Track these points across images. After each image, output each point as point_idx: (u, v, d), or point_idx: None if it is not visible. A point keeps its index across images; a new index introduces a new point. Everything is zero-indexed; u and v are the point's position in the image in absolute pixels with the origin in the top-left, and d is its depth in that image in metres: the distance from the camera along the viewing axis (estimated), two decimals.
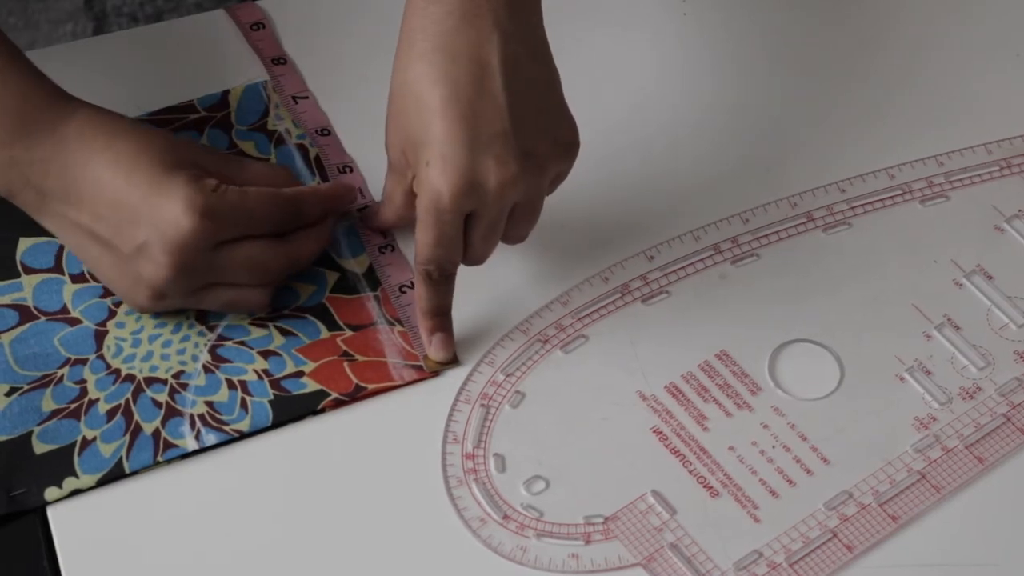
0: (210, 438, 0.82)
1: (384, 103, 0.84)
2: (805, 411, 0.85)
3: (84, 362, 0.85)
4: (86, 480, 0.81)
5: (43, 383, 0.84)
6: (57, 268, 0.88)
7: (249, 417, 0.83)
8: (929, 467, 0.83)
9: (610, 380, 0.86)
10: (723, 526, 0.81)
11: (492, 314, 0.88)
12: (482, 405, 0.84)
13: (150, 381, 0.84)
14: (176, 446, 0.82)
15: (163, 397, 0.84)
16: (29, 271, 0.88)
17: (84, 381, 0.84)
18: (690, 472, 0.82)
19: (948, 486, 0.82)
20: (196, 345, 0.86)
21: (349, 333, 0.86)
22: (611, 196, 0.93)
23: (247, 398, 0.84)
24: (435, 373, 0.85)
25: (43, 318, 0.86)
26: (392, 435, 0.83)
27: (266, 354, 0.85)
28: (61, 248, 0.88)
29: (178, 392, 0.84)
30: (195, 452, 0.82)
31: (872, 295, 0.90)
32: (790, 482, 0.82)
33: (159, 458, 0.82)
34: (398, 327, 0.87)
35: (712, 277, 0.89)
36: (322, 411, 0.84)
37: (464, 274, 0.85)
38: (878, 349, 0.87)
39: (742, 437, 0.84)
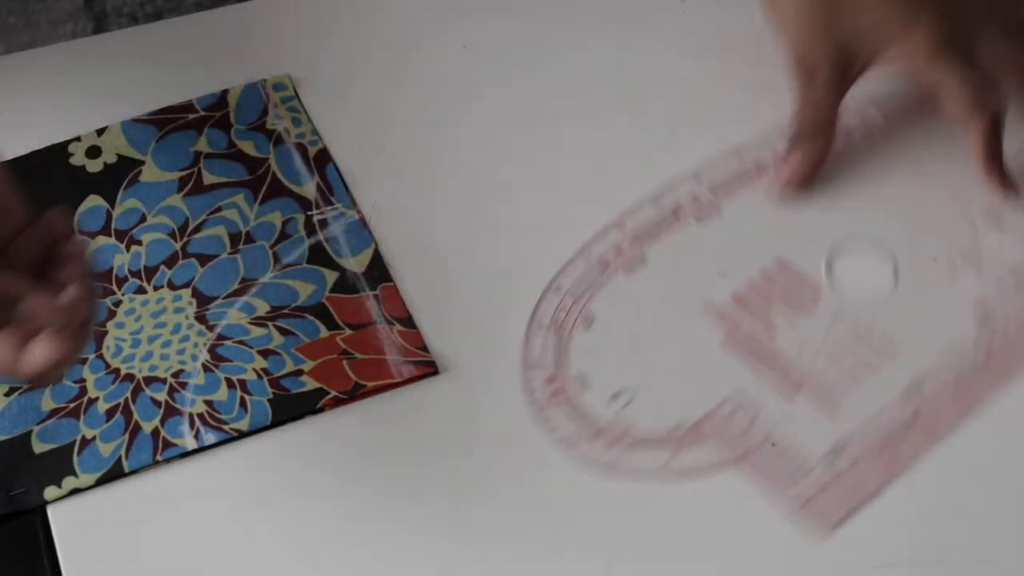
0: (209, 437, 0.82)
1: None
2: (865, 308, 0.87)
3: (83, 361, 0.85)
4: (85, 479, 0.81)
5: None
6: None
7: (248, 416, 0.83)
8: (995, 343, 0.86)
9: (676, 297, 0.88)
10: (805, 422, 0.83)
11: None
12: (554, 331, 0.86)
13: (149, 380, 0.84)
14: (175, 445, 0.82)
15: (162, 396, 0.84)
16: None
17: (83, 380, 0.84)
18: (766, 375, 0.85)
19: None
20: (195, 344, 0.86)
21: (348, 332, 0.86)
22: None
23: (246, 397, 0.84)
24: (434, 372, 0.85)
25: None
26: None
27: (265, 353, 0.85)
28: None
29: (177, 391, 0.84)
30: (194, 451, 0.82)
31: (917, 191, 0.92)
32: (863, 374, 0.84)
33: (158, 457, 0.82)
34: (397, 326, 0.87)
35: (760, 193, 0.92)
36: (321, 410, 0.84)
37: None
38: (929, 242, 0.89)
39: (810, 339, 0.86)
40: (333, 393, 0.84)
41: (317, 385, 0.84)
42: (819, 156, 0.92)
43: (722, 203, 0.92)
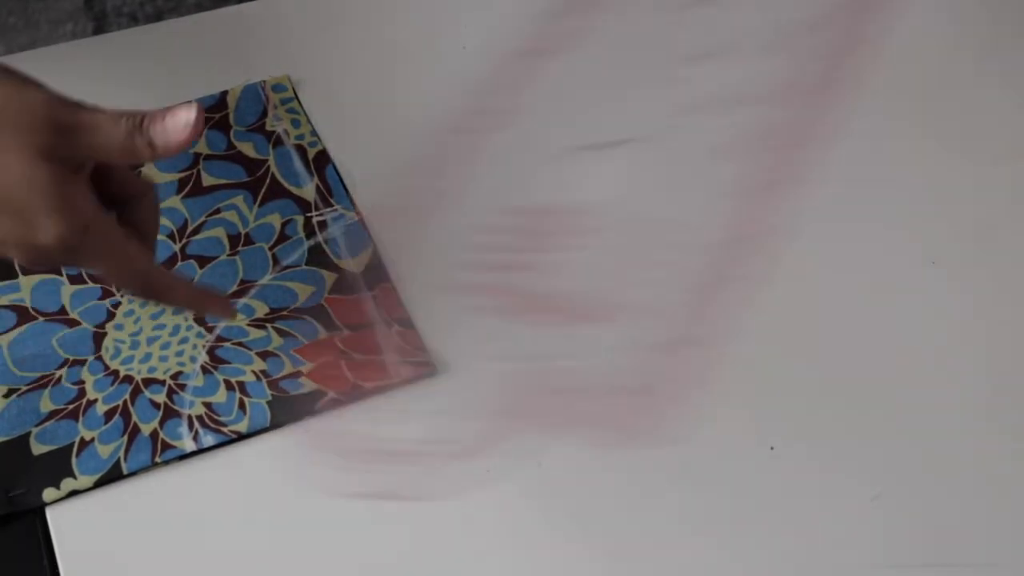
0: (208, 439, 0.82)
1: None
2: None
3: (82, 363, 0.85)
4: (84, 481, 0.81)
5: (41, 384, 0.84)
6: (55, 269, 0.88)
7: (247, 418, 0.83)
8: None
9: None
10: None
11: None
12: None
13: (148, 382, 0.84)
14: (174, 447, 0.82)
15: (161, 398, 0.84)
16: (27, 272, 0.88)
17: (82, 382, 0.84)
18: None
19: None
20: (194, 347, 0.86)
21: (347, 333, 0.86)
22: None
23: (245, 399, 0.84)
24: (432, 371, 0.85)
25: (41, 319, 0.86)
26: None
27: (264, 355, 0.85)
28: None
29: (176, 393, 0.84)
30: (193, 453, 0.82)
31: None
32: None
33: (157, 459, 0.82)
34: (396, 327, 0.87)
35: None
36: (320, 411, 0.84)
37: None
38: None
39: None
40: (331, 394, 0.84)
41: (315, 387, 0.84)
42: None
43: None
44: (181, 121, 0.75)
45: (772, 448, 0.84)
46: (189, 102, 0.75)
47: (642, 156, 0.93)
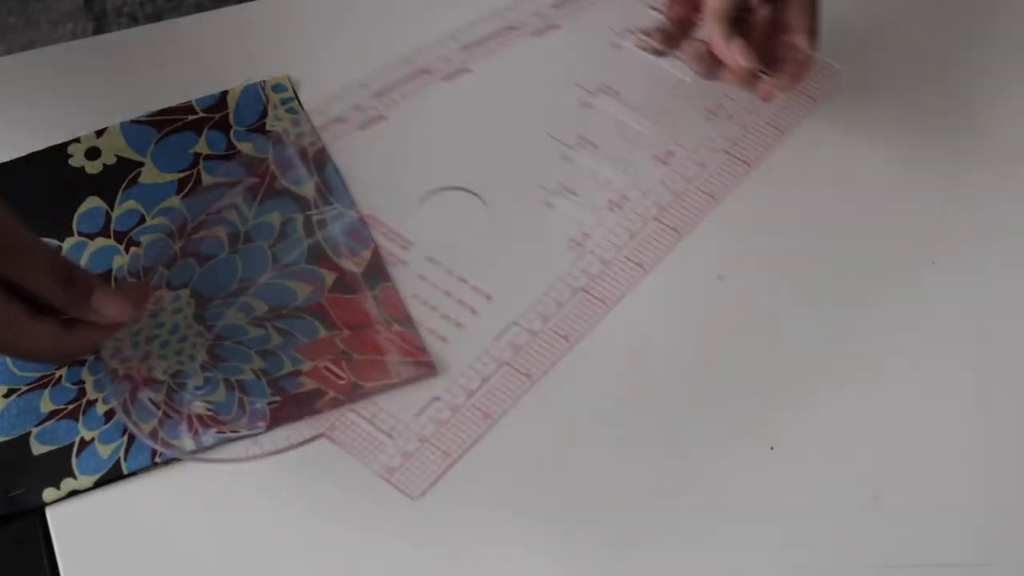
0: (208, 439, 0.82)
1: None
2: (459, 254, 0.86)
3: (82, 363, 0.85)
4: (84, 481, 0.81)
5: (41, 384, 0.84)
6: None
7: (247, 418, 0.83)
8: (590, 281, 0.85)
9: None
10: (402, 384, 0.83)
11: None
12: None
13: (148, 381, 0.84)
14: (174, 447, 0.82)
15: (160, 398, 0.84)
16: None
17: (82, 382, 0.84)
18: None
19: (612, 297, 0.84)
20: (194, 345, 0.86)
21: (347, 333, 0.86)
22: None
23: (244, 398, 0.84)
24: (432, 371, 0.85)
25: None
26: None
27: (264, 354, 0.85)
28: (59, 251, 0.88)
29: (175, 392, 0.84)
30: (192, 452, 0.82)
31: (506, 133, 0.91)
32: (458, 325, 0.84)
33: (157, 459, 0.82)
34: (396, 326, 0.87)
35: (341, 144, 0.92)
36: (319, 411, 0.84)
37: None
38: (521, 182, 0.89)
39: (402, 292, 0.86)
40: (331, 394, 0.84)
41: (315, 386, 0.84)
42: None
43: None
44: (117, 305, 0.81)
45: (772, 448, 0.84)
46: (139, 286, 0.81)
47: None
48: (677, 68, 0.94)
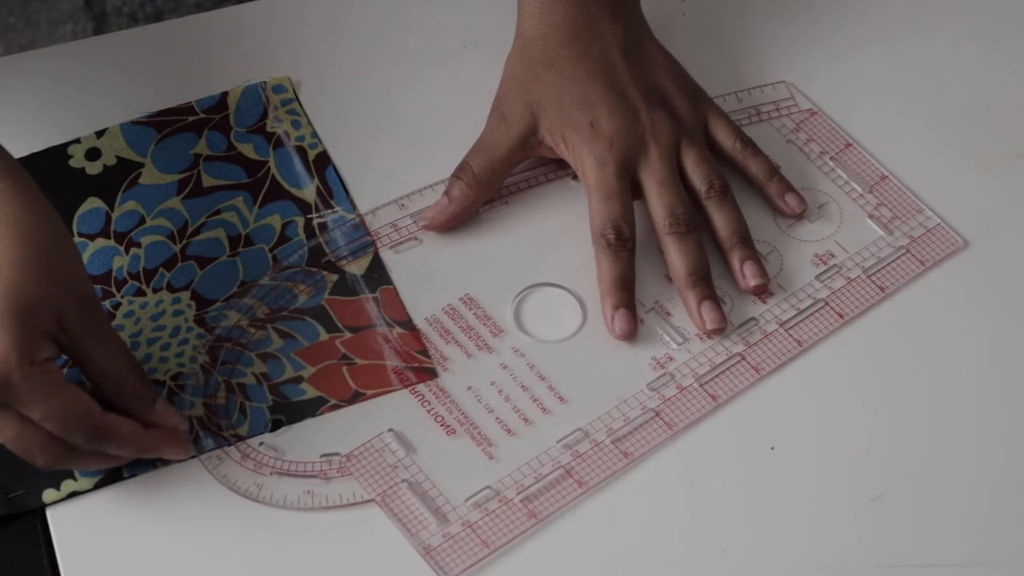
0: (208, 443, 0.82)
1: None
2: (545, 352, 0.87)
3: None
4: (84, 483, 0.81)
5: None
6: None
7: (248, 423, 0.83)
8: (663, 405, 0.85)
9: None
10: (458, 464, 0.82)
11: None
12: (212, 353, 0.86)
13: None
14: None
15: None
16: None
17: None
18: (428, 411, 0.84)
19: (680, 423, 0.84)
20: (194, 347, 0.85)
21: (348, 335, 0.86)
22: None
23: (246, 403, 0.84)
24: (434, 376, 0.85)
25: None
26: None
27: (264, 357, 0.85)
28: None
29: (176, 394, 0.84)
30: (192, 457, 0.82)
31: None
32: (526, 420, 0.84)
33: (157, 462, 0.82)
34: (397, 328, 0.87)
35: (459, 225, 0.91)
36: (320, 414, 0.84)
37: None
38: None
39: (481, 377, 0.86)
40: (332, 401, 0.84)
41: (317, 394, 0.84)
42: (470, 203, 0.90)
43: (421, 234, 0.91)
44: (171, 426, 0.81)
45: (772, 448, 0.84)
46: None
47: None
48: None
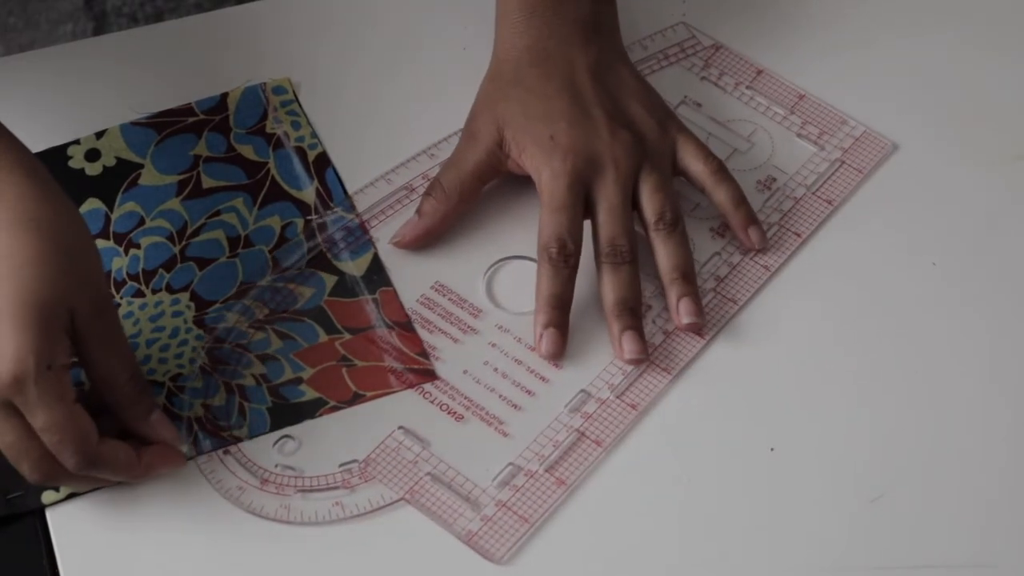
0: (207, 444, 0.82)
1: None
2: (527, 323, 0.87)
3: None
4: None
5: None
6: None
7: (247, 424, 0.83)
8: (655, 352, 0.86)
9: None
10: (475, 447, 0.83)
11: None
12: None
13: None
14: None
15: (160, 400, 0.83)
16: None
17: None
18: (432, 402, 0.84)
19: (676, 366, 0.86)
20: (193, 348, 0.86)
21: (347, 336, 0.86)
22: None
23: (245, 404, 0.84)
24: (434, 377, 0.85)
25: None
26: None
27: (263, 358, 0.85)
28: None
29: (175, 395, 0.84)
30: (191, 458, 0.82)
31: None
32: (529, 393, 0.85)
33: None
34: (397, 329, 0.87)
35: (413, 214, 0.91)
36: (319, 416, 0.84)
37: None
38: (586, 251, 0.88)
39: (474, 360, 0.86)
40: (332, 403, 0.84)
41: (316, 395, 0.84)
42: (441, 217, 0.90)
43: (375, 231, 0.91)
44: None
45: (772, 448, 0.84)
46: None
47: None
48: (729, 139, 0.95)
